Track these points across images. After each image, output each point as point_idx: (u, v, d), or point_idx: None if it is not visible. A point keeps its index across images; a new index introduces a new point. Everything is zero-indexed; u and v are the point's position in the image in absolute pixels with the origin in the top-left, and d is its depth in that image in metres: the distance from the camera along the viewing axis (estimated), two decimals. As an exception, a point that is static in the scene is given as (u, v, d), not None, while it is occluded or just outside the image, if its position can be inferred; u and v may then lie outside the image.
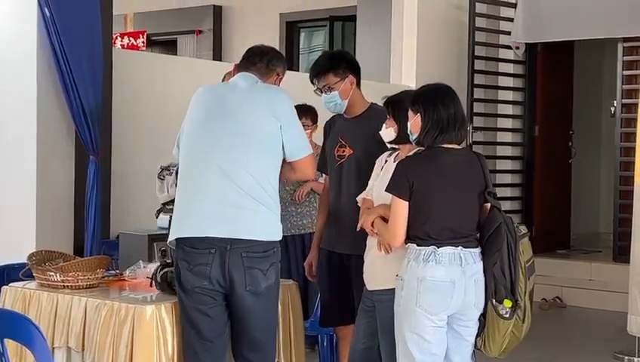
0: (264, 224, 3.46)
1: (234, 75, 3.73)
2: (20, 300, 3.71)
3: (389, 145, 3.77)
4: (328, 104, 4.08)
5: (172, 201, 3.68)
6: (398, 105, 3.68)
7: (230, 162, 3.44)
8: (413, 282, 3.37)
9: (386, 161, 3.74)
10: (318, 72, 4.11)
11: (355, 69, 4.13)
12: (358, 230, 3.61)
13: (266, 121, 3.50)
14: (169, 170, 3.83)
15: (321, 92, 4.10)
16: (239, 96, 3.55)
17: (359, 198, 3.78)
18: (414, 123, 3.49)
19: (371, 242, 3.65)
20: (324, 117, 4.36)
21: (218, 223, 3.40)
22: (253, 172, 3.44)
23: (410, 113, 3.52)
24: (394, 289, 3.47)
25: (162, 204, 3.94)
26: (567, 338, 6.78)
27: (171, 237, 3.51)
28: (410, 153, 3.57)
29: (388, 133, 3.71)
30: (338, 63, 4.11)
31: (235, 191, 3.41)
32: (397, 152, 3.72)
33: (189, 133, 3.56)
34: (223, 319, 3.49)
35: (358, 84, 4.11)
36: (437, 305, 3.37)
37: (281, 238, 3.54)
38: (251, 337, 3.50)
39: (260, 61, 3.70)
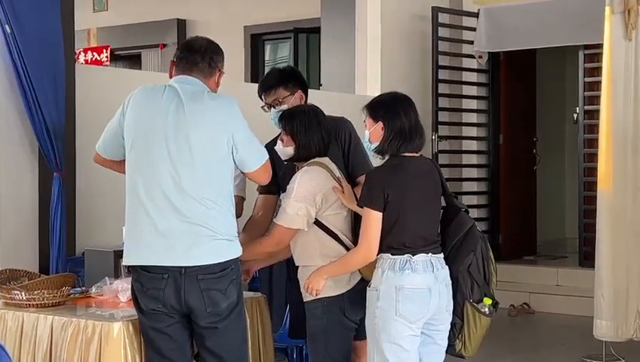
0: (216, 249, 3.32)
1: (172, 76, 3.49)
2: (-16, 320, 3.66)
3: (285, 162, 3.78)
4: (277, 118, 4.06)
5: None
6: (292, 119, 3.71)
7: (177, 190, 3.29)
8: (391, 292, 3.38)
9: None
10: (269, 85, 4.11)
11: (303, 86, 4.15)
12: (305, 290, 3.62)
13: (215, 142, 3.33)
14: None
15: (270, 107, 4.10)
16: (184, 112, 3.32)
17: None
18: (374, 132, 3.50)
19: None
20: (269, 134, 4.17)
21: (168, 253, 3.28)
22: (202, 199, 3.29)
23: (368, 122, 3.53)
24: (312, 301, 3.59)
25: None
26: (535, 343, 6.82)
27: (124, 263, 3.45)
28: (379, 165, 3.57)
29: (286, 151, 3.72)
30: (288, 78, 4.12)
31: (184, 221, 3.28)
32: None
33: (131, 149, 3.36)
34: (184, 337, 3.40)
35: (306, 101, 4.11)
36: (417, 313, 3.39)
37: (239, 255, 3.41)
38: (219, 359, 3.37)
39: (202, 61, 3.46)
